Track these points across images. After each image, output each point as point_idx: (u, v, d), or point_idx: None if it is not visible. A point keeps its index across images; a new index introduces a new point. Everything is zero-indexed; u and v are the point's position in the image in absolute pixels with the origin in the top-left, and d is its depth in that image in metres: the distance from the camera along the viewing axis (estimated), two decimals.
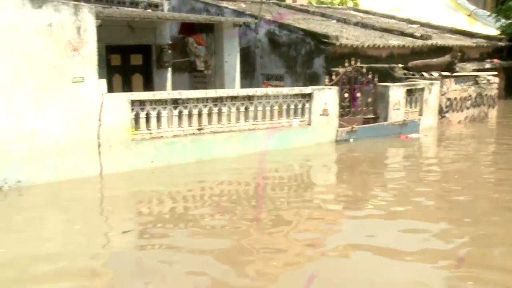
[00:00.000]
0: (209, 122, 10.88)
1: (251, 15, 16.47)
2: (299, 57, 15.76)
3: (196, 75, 16.59)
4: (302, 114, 12.33)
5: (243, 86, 15.13)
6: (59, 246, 6.41)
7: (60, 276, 5.53)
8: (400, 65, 16.11)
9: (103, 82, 9.50)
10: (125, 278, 5.47)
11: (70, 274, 5.59)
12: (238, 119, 11.30)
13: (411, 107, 14.60)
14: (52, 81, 8.83)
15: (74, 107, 9.07)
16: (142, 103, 10.01)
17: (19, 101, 8.51)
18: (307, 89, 12.51)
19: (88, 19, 9.10)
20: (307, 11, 21.04)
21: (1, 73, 8.27)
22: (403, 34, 19.08)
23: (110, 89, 10.06)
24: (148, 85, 14.50)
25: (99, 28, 9.44)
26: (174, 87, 14.48)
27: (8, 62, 8.32)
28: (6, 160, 8.42)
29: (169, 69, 14.80)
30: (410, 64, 16.36)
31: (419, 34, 18.96)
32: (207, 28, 15.15)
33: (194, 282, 5.37)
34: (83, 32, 9.03)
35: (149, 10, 14.16)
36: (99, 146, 9.40)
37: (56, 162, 8.96)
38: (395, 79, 15.13)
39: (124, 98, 9.77)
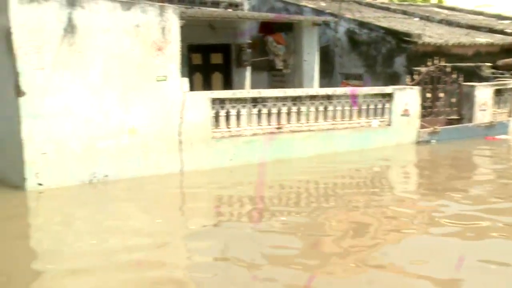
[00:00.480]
0: (288, 121, 10.89)
1: (331, 14, 16.29)
2: (379, 56, 15.41)
3: (275, 74, 16.63)
4: (382, 114, 12.06)
5: (321, 85, 15.00)
6: (142, 238, 6.64)
7: (141, 266, 5.73)
8: (488, 64, 15.33)
9: (185, 80, 9.75)
10: (203, 268, 5.59)
11: (151, 264, 5.78)
12: (317, 118, 11.23)
13: (499, 107, 13.88)
14: (138, 80, 9.17)
15: (157, 105, 9.38)
16: (222, 101, 10.18)
17: (108, 99, 8.92)
18: (388, 89, 12.22)
19: (172, 20, 9.38)
20: (388, 9, 20.52)
21: (93, 72, 8.70)
22: (491, 31, 18.15)
23: (191, 88, 10.31)
24: (228, 84, 14.72)
25: (182, 28, 9.70)
26: (253, 86, 14.60)
27: (99, 62, 8.74)
28: (95, 155, 8.85)
29: (248, 68, 14.95)
30: (500, 62, 15.54)
31: (510, 31, 17.96)
32: (287, 27, 15.15)
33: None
34: (167, 32, 9.31)
35: (230, 10, 14.37)
36: (180, 143, 9.67)
37: (140, 158, 9.30)
38: (482, 79, 14.43)
39: (205, 97, 9.99)
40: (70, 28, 8.39)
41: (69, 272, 5.57)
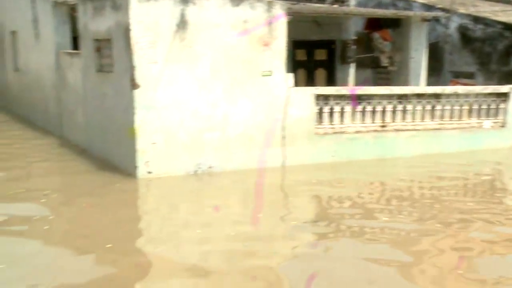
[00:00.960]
0: (393, 119, 10.59)
1: (442, 9, 15.57)
2: (495, 53, 14.50)
3: (379, 71, 16.22)
4: (496, 115, 11.35)
5: (428, 83, 14.40)
6: (243, 229, 6.78)
7: (241, 255, 5.86)
8: None
9: (290, 76, 9.81)
10: (303, 261, 5.60)
11: (251, 254, 5.90)
12: (423, 117, 10.82)
13: None
14: (243, 74, 9.36)
15: (261, 100, 9.51)
16: (326, 97, 10.12)
17: (214, 92, 9.19)
18: (504, 88, 11.48)
19: (279, 15, 9.46)
20: (508, 2, 19.21)
21: (201, 66, 9.01)
22: None
23: (295, 83, 10.34)
24: (331, 80, 14.59)
25: (287, 23, 9.75)
26: (357, 83, 14.36)
27: (208, 56, 9.03)
28: (201, 146, 9.16)
29: (352, 65, 14.71)
30: None
31: None
32: (394, 23, 14.70)
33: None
34: (274, 28, 9.41)
35: (336, 6, 14.22)
36: (283, 138, 9.74)
37: (243, 150, 9.50)
38: None
39: (309, 92, 9.99)
40: (182, 24, 8.75)
41: (169, 252, 5.87)
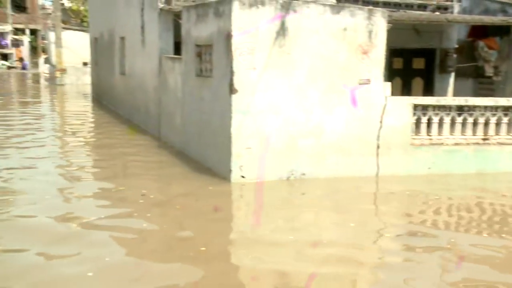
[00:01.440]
0: (497, 132, 10.05)
1: None
2: None
3: (482, 81, 15.44)
4: None
5: None
6: (333, 238, 6.72)
7: (332, 263, 5.82)
8: None
9: (388, 85, 9.62)
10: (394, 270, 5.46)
11: (341, 261, 5.85)
12: None
13: None
14: (340, 82, 9.29)
15: (358, 108, 9.39)
16: (424, 108, 9.81)
17: (310, 99, 9.20)
18: None
19: (379, 23, 9.32)
20: None
21: (298, 73, 9.06)
22: None
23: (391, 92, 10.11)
24: (428, 90, 14.11)
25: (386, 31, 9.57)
26: (456, 93, 13.78)
27: (305, 63, 9.07)
28: (295, 152, 9.20)
29: (452, 74, 14.14)
30: None
31: None
32: (502, 31, 13.95)
33: None
34: (374, 36, 9.28)
35: (438, 13, 13.73)
36: (378, 147, 9.56)
37: (337, 158, 9.42)
38: None
39: (407, 102, 9.73)
40: (282, 31, 8.86)
41: (260, 257, 5.95)
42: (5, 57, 51.80)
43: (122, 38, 16.56)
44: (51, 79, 31.54)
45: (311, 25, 8.99)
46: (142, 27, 13.95)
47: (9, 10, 48.92)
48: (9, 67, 47.81)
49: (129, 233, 6.64)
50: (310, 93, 9.20)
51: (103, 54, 20.26)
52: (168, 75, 12.25)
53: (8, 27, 51.57)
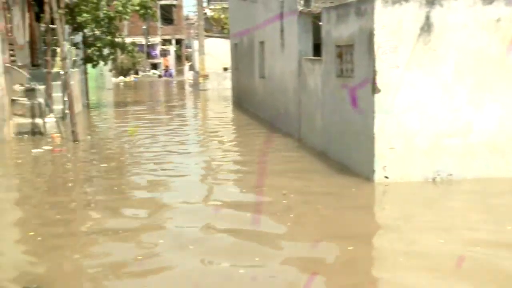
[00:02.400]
0: None
1: None
2: None
3: None
4: None
5: None
6: (483, 238, 6.34)
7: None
8: None
9: None
10: None
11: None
12: None
13: None
14: (491, 77, 8.75)
15: None
16: None
17: (457, 97, 8.78)
18: None
19: None
20: None
21: (444, 70, 8.69)
22: None
23: None
24: None
25: None
26: None
27: (451, 60, 8.67)
28: (440, 152, 8.83)
29: None
30: None
31: None
32: None
33: None
34: None
35: None
36: None
37: (487, 158, 8.87)
38: None
39: None
40: (427, 26, 8.56)
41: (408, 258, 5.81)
42: (154, 66, 56.35)
43: (262, 43, 17.13)
44: (195, 85, 33.61)
45: (458, 18, 8.57)
46: (282, 31, 14.31)
47: (159, 23, 53.10)
48: (160, 76, 51.92)
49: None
50: (457, 90, 8.77)
51: (243, 59, 21.12)
52: (308, 76, 12.44)
53: (157, 39, 56.14)
